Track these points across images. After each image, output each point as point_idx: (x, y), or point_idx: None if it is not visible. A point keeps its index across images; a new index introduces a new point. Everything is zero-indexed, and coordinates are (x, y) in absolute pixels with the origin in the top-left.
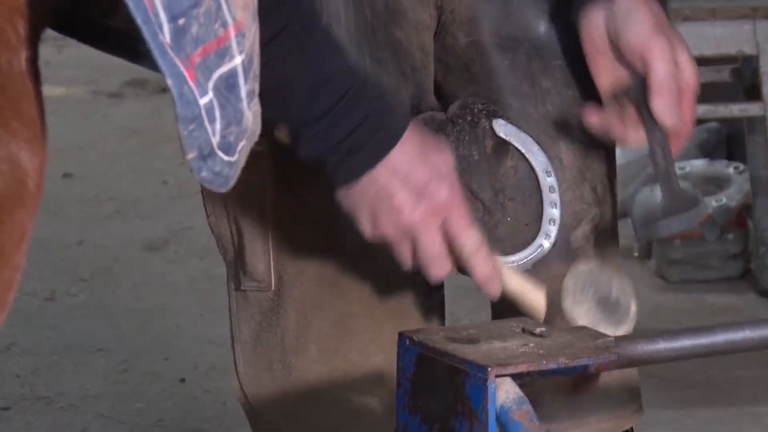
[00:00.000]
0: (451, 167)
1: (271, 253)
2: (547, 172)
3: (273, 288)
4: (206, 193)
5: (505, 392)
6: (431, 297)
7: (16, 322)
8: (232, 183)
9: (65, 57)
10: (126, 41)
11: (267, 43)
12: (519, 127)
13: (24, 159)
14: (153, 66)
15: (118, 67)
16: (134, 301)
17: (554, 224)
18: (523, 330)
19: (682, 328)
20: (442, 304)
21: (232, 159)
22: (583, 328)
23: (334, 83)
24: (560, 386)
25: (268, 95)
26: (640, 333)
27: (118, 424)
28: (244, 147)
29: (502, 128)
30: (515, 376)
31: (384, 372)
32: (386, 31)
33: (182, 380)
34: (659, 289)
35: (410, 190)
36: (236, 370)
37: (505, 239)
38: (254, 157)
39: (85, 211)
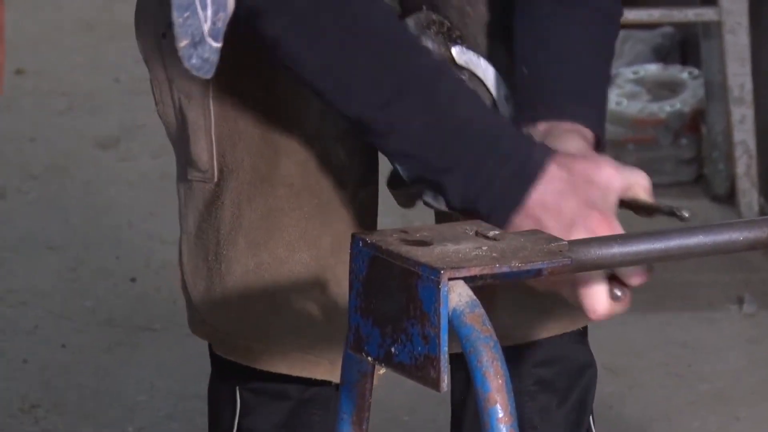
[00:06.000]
0: (604, 191)
1: (214, 144)
2: (506, 98)
3: (215, 180)
4: (154, 83)
5: (457, 295)
6: (361, 193)
7: None
8: (213, 70)
9: None
10: None
11: (384, 106)
12: (476, 51)
13: None
14: None
15: None
16: (86, 198)
17: None
18: (477, 233)
19: (636, 232)
20: (375, 199)
21: (219, 45)
22: (537, 231)
23: (467, 131)
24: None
25: (402, 154)
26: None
27: (68, 321)
28: (227, 33)
29: (461, 55)
30: (468, 279)
31: (310, 270)
32: None
33: (133, 279)
34: None
35: (562, 223)
36: (180, 260)
37: None
38: None
39: (37, 106)
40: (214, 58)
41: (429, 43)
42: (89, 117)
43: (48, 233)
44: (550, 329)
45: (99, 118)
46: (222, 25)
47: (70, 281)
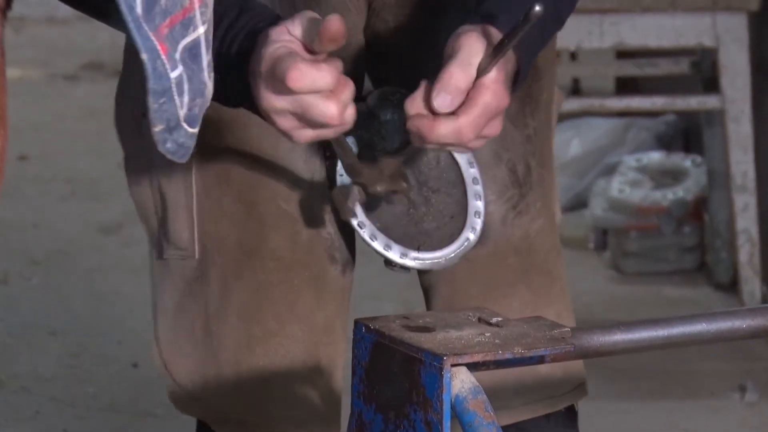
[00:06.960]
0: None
1: (195, 221)
2: (470, 163)
3: (197, 256)
4: (128, 163)
5: (460, 381)
6: (348, 272)
7: None
8: (190, 154)
9: (22, 38)
10: (105, 5)
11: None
12: None
13: None
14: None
15: (74, 50)
16: (88, 284)
17: (479, 216)
18: (479, 319)
19: (639, 320)
20: (352, 281)
21: (195, 131)
22: (540, 318)
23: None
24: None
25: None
26: (596, 324)
27: (70, 407)
28: (207, 113)
29: None
30: (471, 366)
31: (302, 344)
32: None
33: (135, 365)
34: (614, 281)
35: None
36: (156, 337)
37: (431, 233)
38: None
39: (40, 192)
40: (190, 143)
41: (389, 111)
42: (92, 203)
43: (50, 319)
44: (534, 410)
45: (102, 204)
46: (199, 111)
47: (72, 367)
